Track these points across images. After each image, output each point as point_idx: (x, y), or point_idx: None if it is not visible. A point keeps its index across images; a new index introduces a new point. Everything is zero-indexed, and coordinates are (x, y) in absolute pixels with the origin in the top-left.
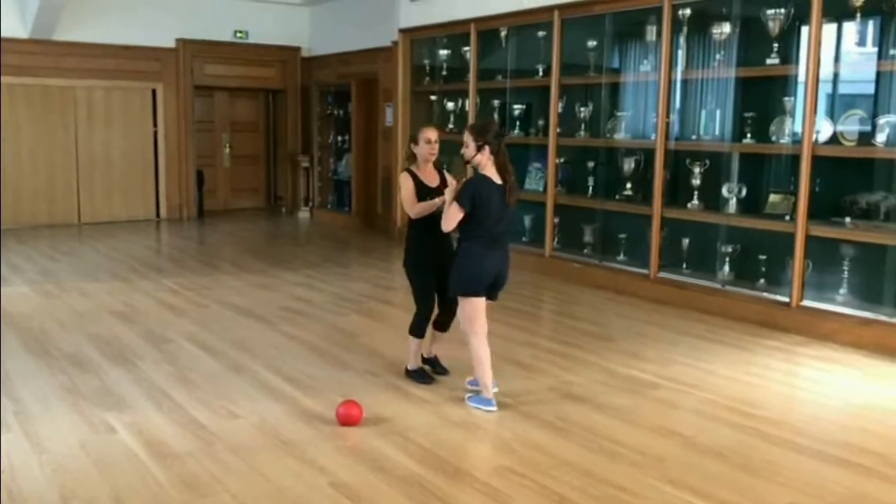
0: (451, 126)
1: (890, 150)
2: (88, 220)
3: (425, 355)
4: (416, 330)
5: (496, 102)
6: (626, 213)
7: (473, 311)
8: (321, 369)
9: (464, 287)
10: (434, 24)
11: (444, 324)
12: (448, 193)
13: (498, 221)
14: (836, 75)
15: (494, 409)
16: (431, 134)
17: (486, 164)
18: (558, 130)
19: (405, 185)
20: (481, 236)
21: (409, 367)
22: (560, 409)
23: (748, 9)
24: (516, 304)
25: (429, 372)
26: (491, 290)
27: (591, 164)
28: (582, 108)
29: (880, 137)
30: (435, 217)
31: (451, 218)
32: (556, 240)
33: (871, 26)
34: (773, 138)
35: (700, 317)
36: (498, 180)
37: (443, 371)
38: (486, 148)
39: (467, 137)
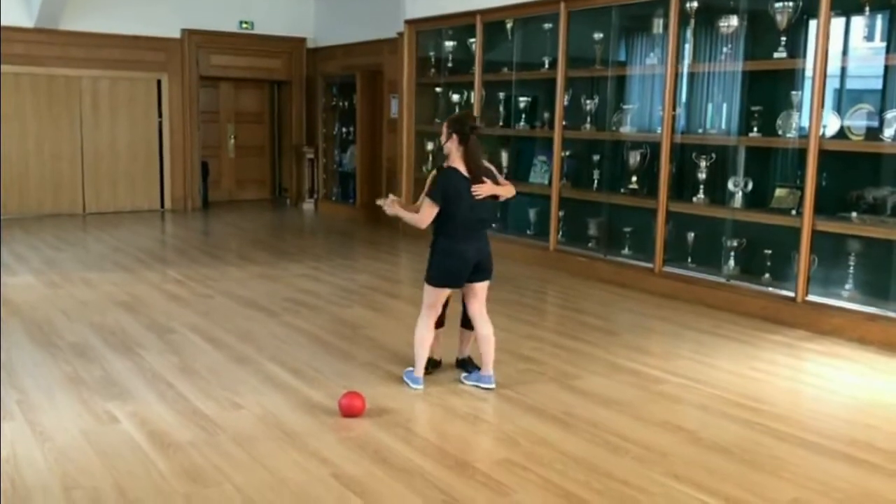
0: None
1: None
2: (93, 210)
3: (459, 356)
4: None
5: (501, 95)
6: (631, 206)
7: (437, 300)
8: (325, 361)
9: (442, 279)
10: (440, 16)
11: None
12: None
13: (470, 210)
14: (843, 69)
15: (421, 387)
16: None
17: (455, 157)
18: (564, 123)
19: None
20: (456, 227)
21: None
22: (564, 403)
23: (756, 2)
24: (520, 297)
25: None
26: (475, 276)
27: (596, 158)
28: (588, 101)
29: (888, 132)
30: None
31: (427, 215)
32: (560, 233)
33: (879, 20)
34: (780, 132)
35: (705, 311)
36: (465, 172)
37: (475, 369)
38: (455, 136)
39: (443, 126)
